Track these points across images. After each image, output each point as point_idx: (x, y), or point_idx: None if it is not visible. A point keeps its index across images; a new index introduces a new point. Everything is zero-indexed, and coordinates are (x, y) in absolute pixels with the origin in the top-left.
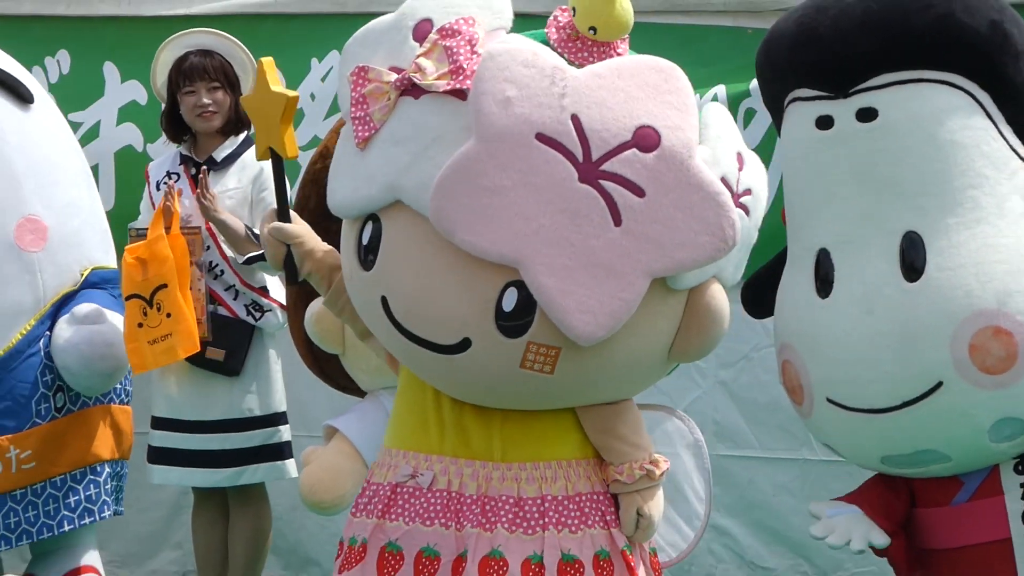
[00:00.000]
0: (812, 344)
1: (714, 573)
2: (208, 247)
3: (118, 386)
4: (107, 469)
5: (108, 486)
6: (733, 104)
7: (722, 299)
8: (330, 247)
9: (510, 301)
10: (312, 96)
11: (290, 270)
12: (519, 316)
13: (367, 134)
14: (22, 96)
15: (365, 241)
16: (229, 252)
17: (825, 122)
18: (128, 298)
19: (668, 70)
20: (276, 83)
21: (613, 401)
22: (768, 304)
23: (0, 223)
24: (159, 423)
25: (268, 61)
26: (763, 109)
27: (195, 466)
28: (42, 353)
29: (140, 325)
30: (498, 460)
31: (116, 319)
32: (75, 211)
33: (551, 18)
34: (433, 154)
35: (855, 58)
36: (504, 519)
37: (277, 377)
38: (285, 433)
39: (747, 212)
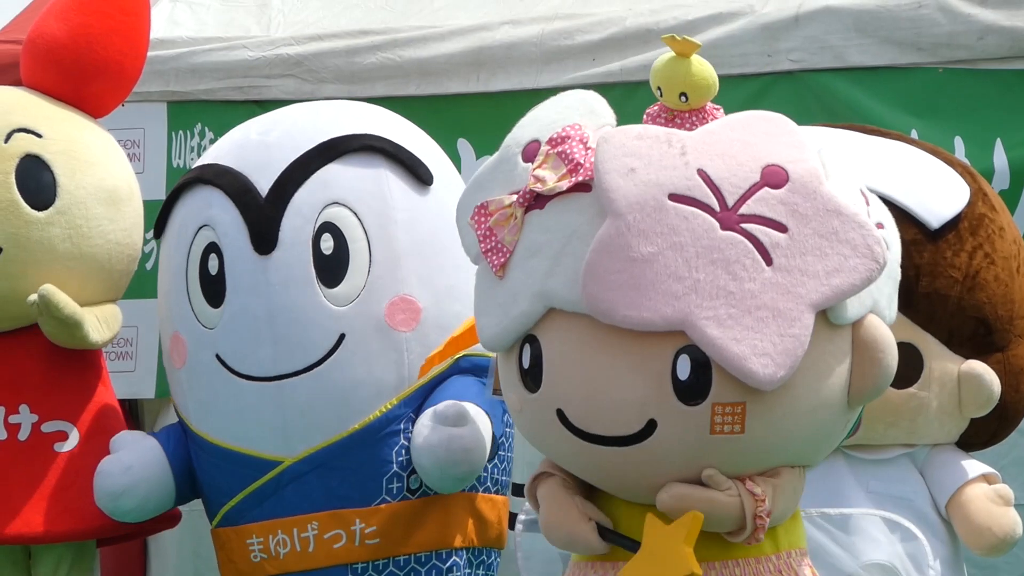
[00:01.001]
0: None
1: None
2: None
3: (485, 474)
4: (461, 558)
5: (459, 574)
6: None
7: (883, 328)
8: None
9: (684, 368)
10: None
11: None
12: (697, 381)
13: (502, 260)
14: (420, 177)
15: (526, 364)
16: None
17: None
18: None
19: (775, 118)
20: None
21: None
22: None
23: (374, 298)
24: None
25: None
26: None
27: None
28: (402, 434)
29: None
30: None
31: (481, 419)
32: (455, 296)
33: (644, 116)
34: (573, 249)
35: None
36: None
37: None
38: None
39: (887, 246)
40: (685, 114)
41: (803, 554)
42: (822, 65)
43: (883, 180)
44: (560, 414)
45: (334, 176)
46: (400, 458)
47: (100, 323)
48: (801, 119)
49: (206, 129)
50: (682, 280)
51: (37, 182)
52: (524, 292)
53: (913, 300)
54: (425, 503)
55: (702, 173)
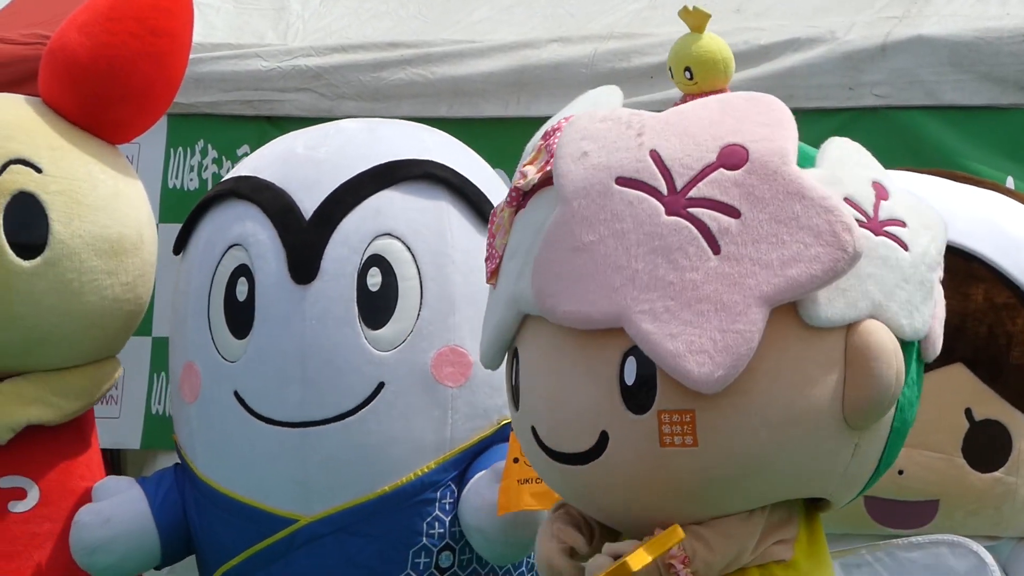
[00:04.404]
0: None
1: None
2: None
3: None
4: None
5: None
6: None
7: (882, 334)
8: None
9: (631, 372)
10: None
11: None
12: (644, 387)
13: (493, 266)
14: (484, 215)
15: (513, 380)
16: None
17: None
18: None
19: (760, 97)
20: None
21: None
22: None
23: (421, 346)
24: None
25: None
26: None
27: None
28: (436, 504)
29: (516, 460)
30: None
31: None
32: None
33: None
34: (536, 246)
35: None
36: None
37: None
38: None
39: (902, 245)
40: (692, 98)
41: None
42: (911, 102)
43: (972, 235)
44: (534, 432)
45: (388, 204)
46: (432, 531)
47: (53, 400)
48: (884, 159)
49: (208, 147)
50: (621, 270)
51: (27, 226)
52: (502, 300)
53: (1003, 372)
54: None
55: (654, 154)
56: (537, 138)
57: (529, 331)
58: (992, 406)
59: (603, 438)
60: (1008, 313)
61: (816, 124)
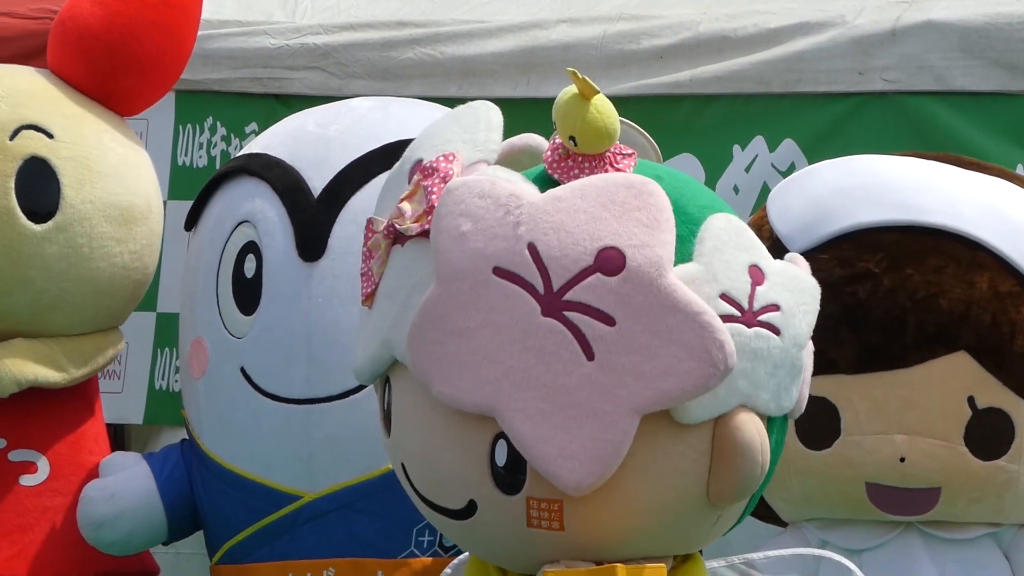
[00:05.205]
0: None
1: None
2: None
3: None
4: None
5: None
6: None
7: (750, 430)
8: None
9: (501, 455)
10: (736, 189)
11: None
12: (513, 470)
13: (369, 289)
14: None
15: (385, 406)
16: None
17: None
18: None
19: (640, 185)
20: None
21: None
22: None
23: None
24: None
25: None
26: None
27: None
28: None
29: None
30: None
31: None
32: None
33: (551, 139)
34: (414, 303)
35: None
36: None
37: None
38: None
39: (775, 331)
40: (578, 157)
41: None
42: (920, 87)
43: (977, 223)
44: (404, 468)
45: None
46: None
47: (64, 361)
48: (894, 145)
49: (217, 124)
50: (496, 364)
51: (39, 190)
52: (377, 336)
53: (1007, 361)
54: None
55: (532, 248)
56: (411, 160)
57: (403, 374)
58: (995, 394)
59: (471, 504)
60: (1012, 301)
61: (824, 108)
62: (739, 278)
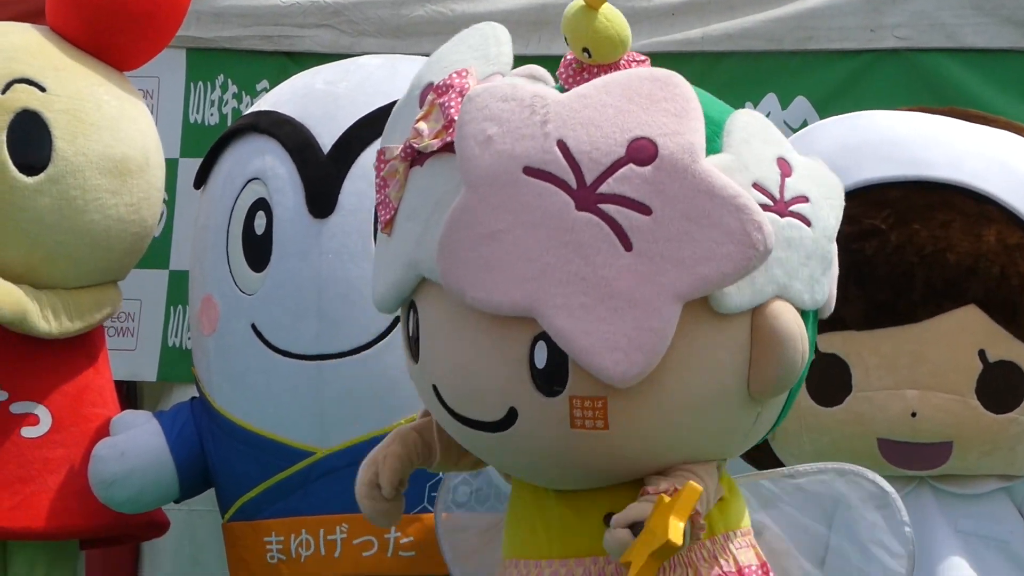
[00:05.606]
0: None
1: None
2: None
3: None
4: None
5: None
6: None
7: (788, 317)
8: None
9: (541, 356)
10: None
11: None
12: (555, 371)
13: (388, 216)
14: None
15: (411, 332)
16: None
17: None
18: None
19: (664, 78)
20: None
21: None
22: None
23: None
24: None
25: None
26: None
27: None
28: None
29: None
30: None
31: None
32: None
33: (559, 65)
34: (438, 218)
35: None
36: None
37: None
38: None
39: (806, 221)
40: (594, 68)
41: (744, 534)
42: (932, 44)
43: (984, 176)
44: (436, 391)
45: None
46: None
47: (58, 311)
48: (905, 102)
49: (229, 82)
50: (532, 262)
51: (31, 143)
52: (400, 259)
53: (1017, 313)
54: None
55: (562, 145)
56: (420, 86)
57: (430, 293)
58: (1006, 347)
59: (512, 413)
60: (1021, 253)
61: (837, 65)
62: (769, 169)
